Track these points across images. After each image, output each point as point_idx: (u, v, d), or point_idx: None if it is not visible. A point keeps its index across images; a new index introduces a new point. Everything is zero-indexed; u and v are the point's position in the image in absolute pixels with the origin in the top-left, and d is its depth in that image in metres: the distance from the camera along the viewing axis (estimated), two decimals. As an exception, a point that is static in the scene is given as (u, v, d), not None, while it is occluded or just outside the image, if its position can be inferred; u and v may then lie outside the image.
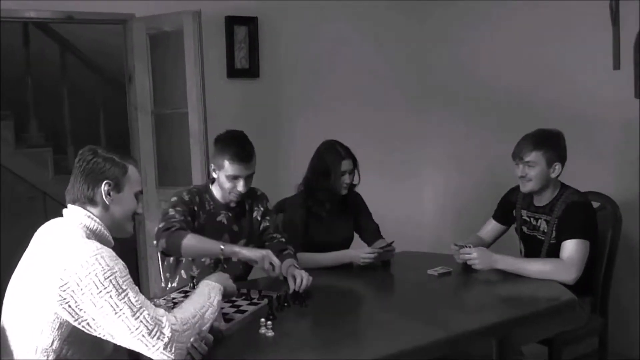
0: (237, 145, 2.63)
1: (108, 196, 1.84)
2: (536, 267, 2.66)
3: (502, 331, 2.29)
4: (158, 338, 1.65)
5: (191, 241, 2.47)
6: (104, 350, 1.71)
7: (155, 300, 2.32)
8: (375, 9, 4.52)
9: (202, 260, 2.70)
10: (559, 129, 2.86)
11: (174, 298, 2.36)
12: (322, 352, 1.97)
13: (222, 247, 2.45)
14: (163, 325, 1.67)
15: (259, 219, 2.84)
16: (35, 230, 1.89)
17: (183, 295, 2.40)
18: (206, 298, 1.89)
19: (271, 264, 2.44)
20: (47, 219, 1.89)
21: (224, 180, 2.67)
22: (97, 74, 5.52)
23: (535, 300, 2.52)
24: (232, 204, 2.76)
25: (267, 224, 2.84)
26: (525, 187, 2.83)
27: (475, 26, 4.35)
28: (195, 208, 2.69)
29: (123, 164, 1.89)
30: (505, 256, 2.78)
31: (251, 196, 2.84)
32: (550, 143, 2.77)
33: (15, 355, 1.75)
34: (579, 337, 2.90)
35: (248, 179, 2.66)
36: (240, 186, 2.65)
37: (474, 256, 2.76)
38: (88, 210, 1.83)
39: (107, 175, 1.84)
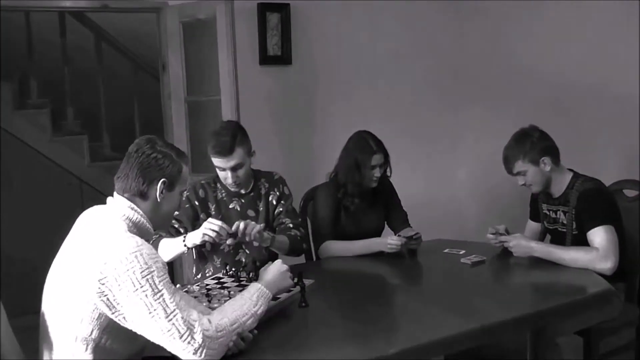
0: (216, 138, 2.63)
1: (161, 194, 1.86)
2: (573, 256, 2.62)
3: (536, 322, 2.26)
4: (189, 343, 1.64)
5: (161, 247, 2.46)
6: (141, 340, 1.73)
7: (189, 287, 2.35)
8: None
9: (221, 248, 2.70)
10: (532, 124, 2.84)
11: (207, 285, 2.38)
12: (356, 340, 1.96)
13: (184, 241, 2.41)
14: (195, 330, 1.66)
15: (275, 202, 2.83)
16: (72, 216, 1.91)
17: (216, 282, 2.42)
18: (252, 306, 1.84)
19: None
20: (84, 206, 1.91)
21: (217, 171, 2.70)
22: (132, 62, 5.58)
23: (571, 290, 2.47)
24: (243, 191, 2.77)
25: (281, 208, 2.83)
26: (533, 190, 2.90)
27: (510, 19, 4.27)
28: (197, 203, 2.73)
29: (180, 162, 1.90)
30: (542, 244, 2.77)
31: (268, 180, 2.85)
32: (524, 146, 2.77)
33: (55, 343, 1.78)
34: (616, 328, 2.85)
35: (234, 170, 2.65)
36: (228, 177, 2.66)
37: (511, 244, 2.76)
38: (135, 203, 1.84)
39: (165, 173, 1.86)
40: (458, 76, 4.61)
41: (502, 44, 4.36)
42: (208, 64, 3.79)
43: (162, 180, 1.85)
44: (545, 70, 4.07)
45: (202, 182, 2.81)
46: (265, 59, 4.08)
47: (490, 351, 2.94)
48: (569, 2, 3.84)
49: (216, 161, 2.65)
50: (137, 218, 1.83)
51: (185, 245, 2.42)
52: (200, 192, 2.77)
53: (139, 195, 1.85)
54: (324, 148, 3.98)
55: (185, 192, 2.70)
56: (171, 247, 2.45)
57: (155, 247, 2.45)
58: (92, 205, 1.91)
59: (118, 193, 1.86)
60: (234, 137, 2.63)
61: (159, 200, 1.86)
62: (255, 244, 2.54)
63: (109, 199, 1.88)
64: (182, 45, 3.90)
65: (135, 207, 1.84)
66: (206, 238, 2.36)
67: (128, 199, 1.84)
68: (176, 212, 2.63)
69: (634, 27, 3.45)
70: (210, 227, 2.36)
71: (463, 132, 4.66)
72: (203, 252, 2.81)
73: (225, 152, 2.61)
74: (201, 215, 2.74)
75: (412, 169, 4.36)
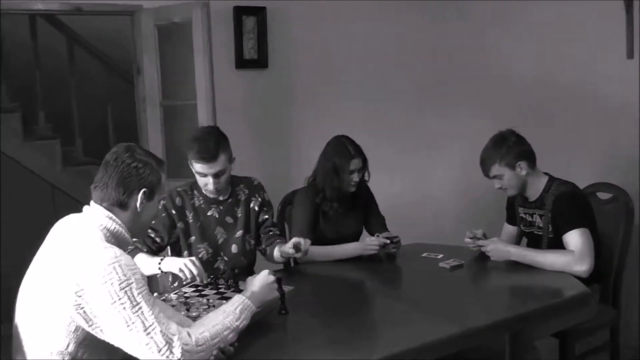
0: (199, 144, 2.59)
1: (141, 204, 1.83)
2: (549, 260, 2.65)
3: (514, 326, 2.28)
4: (167, 357, 1.62)
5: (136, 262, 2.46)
6: (119, 353, 1.70)
7: (166, 295, 2.32)
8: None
9: (200, 256, 2.66)
10: (510, 128, 2.86)
11: (185, 293, 2.35)
12: (338, 347, 1.95)
13: (160, 264, 2.41)
14: (174, 344, 1.63)
15: (257, 209, 2.81)
16: (44, 223, 1.88)
17: (194, 289, 2.39)
18: (234, 320, 1.82)
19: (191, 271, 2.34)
20: (56, 211, 1.88)
21: (197, 177, 2.67)
22: (106, 65, 5.50)
23: (548, 293, 2.50)
24: (221, 197, 2.75)
25: (267, 216, 2.82)
26: (509, 194, 2.94)
27: (490, 21, 4.29)
28: (174, 211, 2.70)
29: (159, 171, 1.87)
30: (519, 247, 2.81)
31: (247, 186, 2.83)
32: (501, 150, 2.80)
33: (30, 356, 1.74)
34: (591, 329, 2.89)
35: (217, 177, 2.62)
36: (210, 184, 2.63)
37: (488, 248, 2.78)
38: (113, 213, 1.81)
39: (145, 183, 1.83)
40: (436, 79, 4.61)
41: (482, 47, 4.38)
42: (183, 68, 3.74)
43: (143, 190, 1.82)
44: (524, 73, 4.10)
45: (179, 189, 2.77)
46: (242, 63, 4.06)
47: (471, 354, 2.95)
48: (553, 4, 3.87)
49: (198, 167, 2.61)
50: (115, 228, 1.80)
51: (160, 269, 2.40)
52: (177, 200, 2.73)
53: (118, 205, 1.81)
54: (302, 152, 3.97)
55: (164, 201, 2.67)
56: (146, 266, 2.41)
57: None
58: (64, 211, 1.88)
59: (96, 202, 1.83)
60: (218, 143, 2.61)
61: (139, 210, 1.83)
62: (298, 254, 2.64)
63: (85, 207, 1.84)
64: (157, 49, 3.85)
65: (114, 217, 1.80)
66: (180, 274, 2.34)
67: (106, 208, 1.81)
68: (154, 222, 2.59)
69: (620, 29, 3.50)
70: (190, 267, 2.32)
71: (441, 135, 4.68)
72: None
73: (210, 158, 2.58)
74: (178, 224, 2.70)
75: (389, 173, 4.36)
